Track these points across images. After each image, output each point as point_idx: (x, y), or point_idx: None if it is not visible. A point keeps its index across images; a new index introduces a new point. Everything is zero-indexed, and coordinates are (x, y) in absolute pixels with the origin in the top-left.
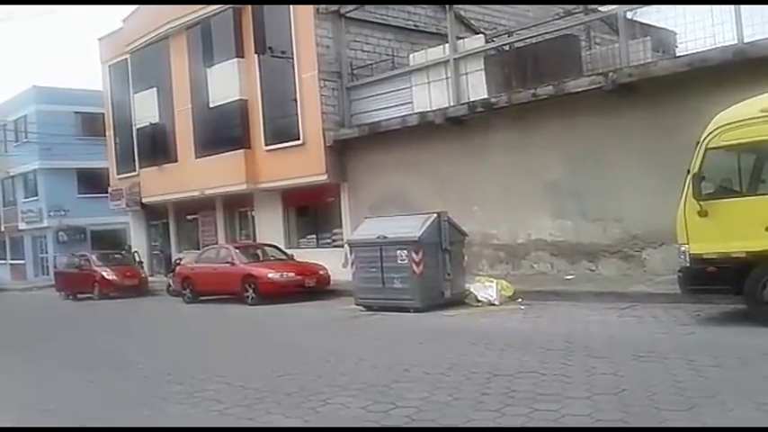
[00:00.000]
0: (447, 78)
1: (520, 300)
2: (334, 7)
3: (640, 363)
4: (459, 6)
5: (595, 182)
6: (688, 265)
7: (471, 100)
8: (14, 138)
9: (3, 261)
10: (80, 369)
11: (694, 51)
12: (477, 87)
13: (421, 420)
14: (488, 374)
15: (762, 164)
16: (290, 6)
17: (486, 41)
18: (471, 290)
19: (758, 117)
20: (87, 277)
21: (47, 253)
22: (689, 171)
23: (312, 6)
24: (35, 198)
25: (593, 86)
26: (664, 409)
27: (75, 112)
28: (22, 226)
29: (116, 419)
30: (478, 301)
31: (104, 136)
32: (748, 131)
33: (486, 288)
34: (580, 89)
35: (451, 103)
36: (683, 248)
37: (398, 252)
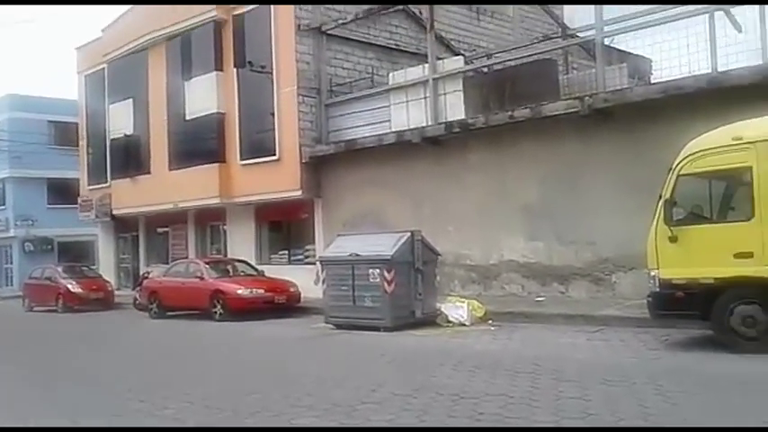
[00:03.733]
0: (425, 98)
1: (491, 321)
2: (315, 24)
3: (608, 387)
4: (440, 27)
5: (569, 205)
6: (657, 289)
7: (449, 120)
8: None
9: None
10: (36, 383)
11: (669, 79)
12: (455, 108)
13: None
14: (456, 396)
15: (732, 191)
16: (271, 21)
17: (466, 62)
18: (442, 310)
19: (730, 145)
20: (52, 289)
21: (12, 263)
22: (661, 196)
23: (293, 22)
24: (2, 207)
25: (570, 110)
26: None
27: (49, 121)
28: None
29: None
30: (449, 321)
31: (77, 146)
32: (720, 159)
33: (457, 308)
34: (556, 113)
35: (429, 123)
36: (653, 273)
37: (370, 270)
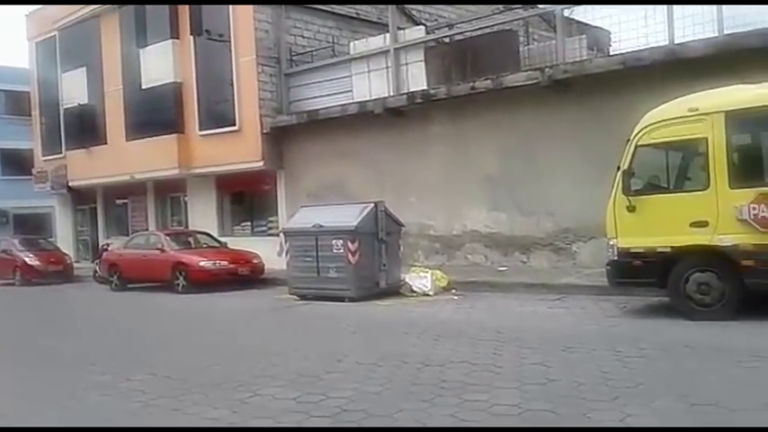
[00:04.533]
0: (387, 68)
1: (454, 290)
2: None
3: (568, 353)
4: None
5: (530, 175)
6: (616, 258)
7: (411, 91)
8: None
9: None
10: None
11: (627, 51)
12: (417, 78)
13: (352, 411)
14: (420, 364)
15: (688, 162)
16: None
17: (427, 33)
18: (406, 280)
19: (686, 116)
20: (9, 262)
21: None
22: (619, 167)
23: None
24: None
25: (530, 81)
26: (589, 399)
27: (0, 90)
28: None
29: (32, 410)
30: (413, 291)
31: (30, 115)
32: (676, 130)
33: (420, 278)
34: (517, 84)
35: (391, 94)
36: (611, 242)
37: (334, 241)
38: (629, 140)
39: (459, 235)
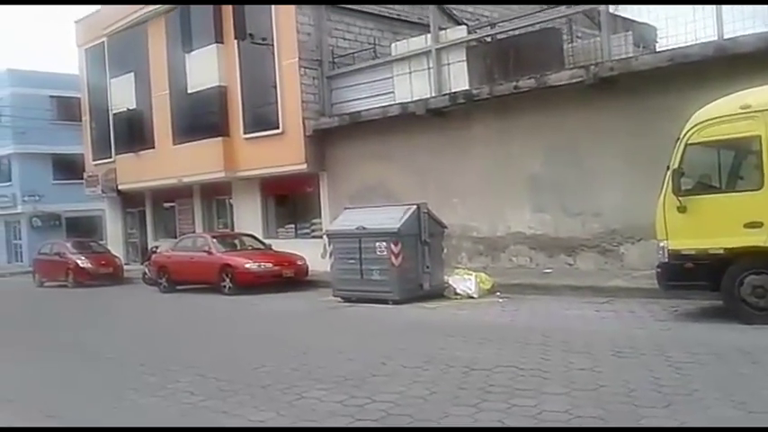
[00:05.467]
0: (429, 69)
1: (498, 293)
2: None
3: (618, 358)
4: None
5: (575, 176)
6: (666, 260)
7: (453, 91)
8: None
9: None
10: (49, 359)
11: (675, 47)
12: (459, 78)
13: (397, 415)
14: (466, 368)
15: (740, 160)
16: None
17: (469, 32)
18: (450, 282)
19: (738, 114)
20: (62, 265)
21: (20, 239)
22: (668, 167)
23: None
24: (9, 183)
25: (575, 80)
26: (642, 405)
27: (51, 96)
28: None
29: (85, 410)
30: (457, 293)
31: (80, 121)
32: (728, 128)
33: (464, 281)
34: (561, 82)
35: (433, 94)
36: (661, 244)
37: (377, 243)
38: (678, 139)
39: (502, 237)
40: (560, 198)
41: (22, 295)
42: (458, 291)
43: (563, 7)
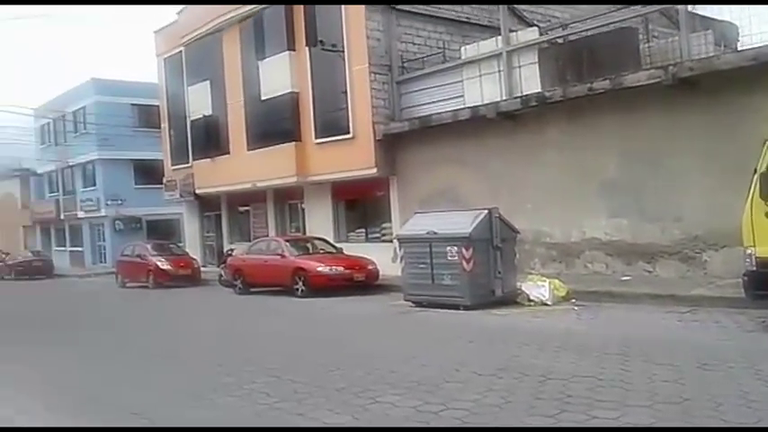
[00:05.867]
0: (499, 72)
1: (573, 300)
2: None
3: (704, 371)
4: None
5: (653, 180)
6: (754, 268)
7: (524, 94)
8: (74, 129)
9: (62, 248)
10: (132, 358)
11: (759, 45)
12: (531, 81)
13: (473, 424)
14: (542, 377)
15: None
16: None
17: (540, 34)
18: (523, 288)
19: None
20: (143, 266)
21: (104, 241)
22: (756, 170)
23: None
24: (93, 188)
25: (652, 81)
26: (730, 421)
27: (132, 104)
28: (80, 214)
29: (167, 409)
30: (530, 300)
31: (159, 128)
32: None
33: (538, 287)
34: (638, 83)
35: (504, 97)
36: (748, 251)
37: (448, 248)
38: (765, 141)
39: (577, 242)
40: (638, 202)
41: (106, 296)
42: (531, 297)
43: (638, 6)
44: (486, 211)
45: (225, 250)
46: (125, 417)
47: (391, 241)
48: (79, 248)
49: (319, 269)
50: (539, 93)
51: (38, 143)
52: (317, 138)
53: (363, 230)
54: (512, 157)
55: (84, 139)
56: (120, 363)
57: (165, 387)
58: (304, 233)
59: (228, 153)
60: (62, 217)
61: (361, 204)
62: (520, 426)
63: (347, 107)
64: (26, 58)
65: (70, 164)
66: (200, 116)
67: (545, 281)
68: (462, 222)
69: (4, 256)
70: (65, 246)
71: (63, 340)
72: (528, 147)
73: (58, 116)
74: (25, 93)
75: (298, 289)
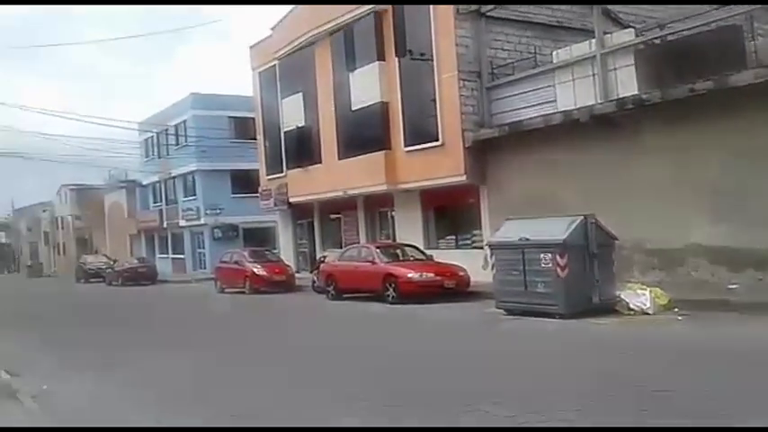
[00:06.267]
0: (593, 75)
1: (676, 309)
2: (474, 7)
3: None
4: None
5: (762, 183)
6: None
7: (620, 97)
8: (175, 141)
9: (165, 255)
10: (234, 361)
11: None
12: (627, 84)
13: None
14: (646, 390)
15: None
16: (431, 8)
17: (637, 35)
18: (622, 297)
19: None
20: (240, 272)
21: (204, 248)
22: None
23: (452, 7)
24: (194, 197)
25: (760, 80)
26: None
27: (229, 117)
28: (182, 223)
29: (270, 411)
30: (630, 309)
31: (255, 139)
32: None
33: (638, 295)
34: (745, 83)
35: (598, 101)
36: None
37: (542, 255)
38: None
39: (679, 249)
40: (745, 207)
41: (208, 301)
42: (631, 306)
43: (742, 3)
44: (581, 218)
45: (318, 257)
46: (225, 418)
47: (482, 248)
48: (181, 256)
49: (410, 276)
50: (635, 95)
51: (142, 156)
52: (406, 146)
53: (453, 237)
54: (607, 161)
55: (184, 151)
56: (227, 365)
57: (266, 389)
58: (394, 240)
59: (320, 162)
60: (165, 225)
61: (450, 211)
62: None
63: (436, 115)
64: (132, 75)
65: (172, 175)
66: (294, 127)
67: (645, 289)
68: (556, 229)
69: (112, 263)
70: (167, 253)
71: (174, 344)
72: (625, 151)
73: (161, 130)
74: (131, 109)
75: (388, 295)
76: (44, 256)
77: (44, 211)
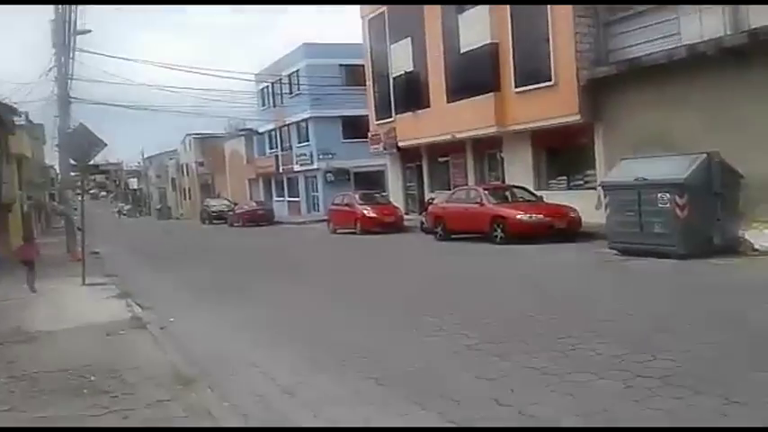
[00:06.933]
0: (722, 5)
1: None
2: None
3: None
4: None
5: None
6: None
7: (753, 28)
8: (289, 90)
9: (281, 198)
10: (353, 299)
11: None
12: (762, 13)
13: (682, 375)
14: (763, 332)
15: None
16: None
17: None
18: (746, 237)
19: None
20: (351, 214)
21: (317, 192)
22: None
23: None
24: (307, 143)
25: None
26: None
27: (340, 65)
28: (296, 168)
29: (377, 346)
30: (755, 249)
31: (364, 85)
32: None
33: (765, 235)
34: None
35: (728, 33)
36: None
37: (659, 195)
38: None
39: None
40: None
41: (322, 241)
42: (756, 246)
43: None
44: (704, 156)
45: (426, 199)
46: (339, 349)
47: (595, 189)
48: (296, 198)
49: (518, 216)
50: None
51: (259, 105)
52: (516, 87)
53: (565, 178)
54: (736, 96)
55: (298, 99)
56: (342, 302)
57: (377, 327)
58: (503, 182)
59: (429, 106)
60: (281, 170)
61: (562, 152)
62: (737, 378)
63: (549, 54)
64: (250, 27)
65: (286, 122)
66: (402, 72)
67: None
68: (676, 168)
69: (233, 205)
70: (283, 196)
71: (298, 278)
72: (756, 85)
73: (276, 80)
74: (248, 60)
75: (496, 236)
76: (172, 200)
77: (171, 158)
